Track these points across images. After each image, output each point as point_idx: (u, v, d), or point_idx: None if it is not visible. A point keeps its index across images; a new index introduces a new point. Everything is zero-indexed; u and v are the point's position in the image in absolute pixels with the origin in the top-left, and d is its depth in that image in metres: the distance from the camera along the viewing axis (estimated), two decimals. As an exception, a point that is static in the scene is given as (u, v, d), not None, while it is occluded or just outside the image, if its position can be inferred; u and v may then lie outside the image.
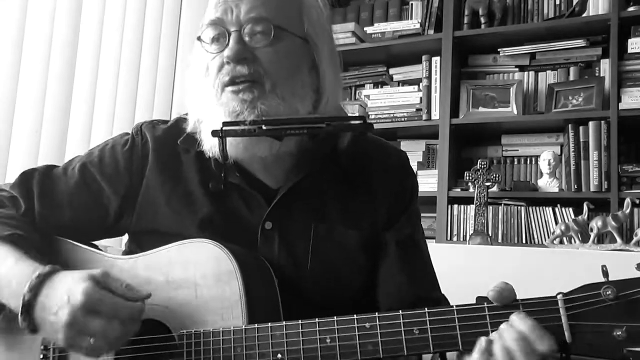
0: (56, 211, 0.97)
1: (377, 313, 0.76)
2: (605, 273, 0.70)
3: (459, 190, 2.60)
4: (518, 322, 0.70)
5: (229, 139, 0.86)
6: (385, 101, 2.81)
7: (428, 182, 2.65)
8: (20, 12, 1.75)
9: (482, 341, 0.71)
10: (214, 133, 0.83)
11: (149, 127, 1.02)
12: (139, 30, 2.25)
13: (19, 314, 0.78)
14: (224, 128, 0.83)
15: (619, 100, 2.37)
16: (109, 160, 0.99)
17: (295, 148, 0.94)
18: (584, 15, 2.52)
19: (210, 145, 0.91)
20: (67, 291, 0.76)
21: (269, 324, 0.79)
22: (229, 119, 0.86)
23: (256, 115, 0.85)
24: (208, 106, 0.90)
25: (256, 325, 0.80)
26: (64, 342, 0.76)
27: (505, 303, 0.72)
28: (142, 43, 2.26)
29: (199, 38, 0.92)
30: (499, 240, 2.51)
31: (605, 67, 2.52)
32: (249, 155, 0.92)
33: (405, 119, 2.76)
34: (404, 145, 2.84)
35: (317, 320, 0.77)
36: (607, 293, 0.68)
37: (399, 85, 2.92)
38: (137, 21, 2.23)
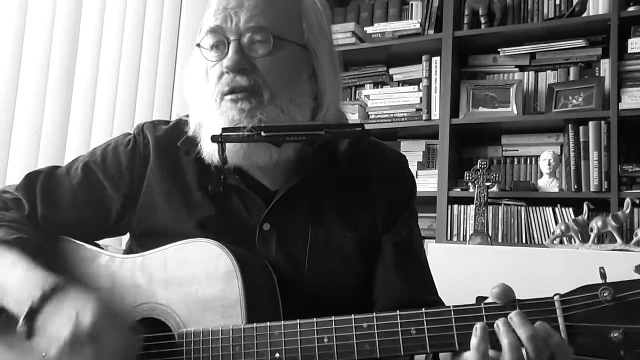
0: (59, 212, 0.98)
1: (374, 313, 0.76)
2: (602, 275, 0.70)
3: (459, 190, 2.60)
4: (522, 321, 0.69)
5: (229, 146, 0.88)
6: (385, 101, 2.81)
7: (428, 182, 2.66)
8: (20, 12, 1.75)
9: (477, 328, 0.70)
10: (213, 138, 0.85)
11: (150, 128, 1.03)
12: (139, 30, 2.25)
13: (22, 317, 0.78)
14: (223, 134, 0.85)
15: (619, 100, 2.37)
16: (111, 160, 1.00)
17: (294, 155, 0.95)
18: (584, 15, 2.52)
19: (209, 151, 0.92)
20: (75, 310, 0.76)
21: (268, 324, 0.80)
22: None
23: (255, 123, 0.87)
24: (208, 113, 0.91)
25: (254, 325, 0.80)
26: (55, 356, 0.76)
27: (505, 302, 0.72)
28: (142, 43, 2.26)
29: (198, 45, 0.92)
30: (499, 240, 2.51)
31: (605, 67, 2.52)
32: (248, 163, 0.93)
33: (405, 119, 2.76)
34: (404, 145, 2.84)
35: (315, 320, 0.78)
36: (604, 294, 0.68)
37: (399, 85, 2.92)
38: (137, 21, 2.23)
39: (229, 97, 0.88)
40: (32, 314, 0.78)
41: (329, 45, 0.97)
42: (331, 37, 0.99)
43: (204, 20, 0.93)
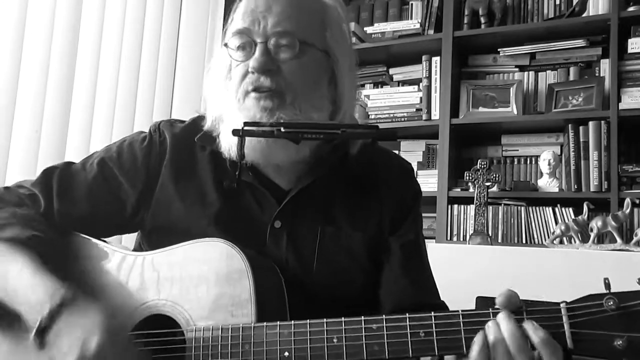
0: (75, 207, 0.99)
1: (384, 315, 0.78)
2: (607, 285, 0.71)
3: (459, 190, 2.60)
4: (507, 321, 0.72)
5: (248, 142, 0.90)
6: (385, 101, 2.81)
7: (428, 182, 2.66)
8: (20, 13, 1.75)
9: (478, 337, 0.73)
10: (235, 132, 0.86)
11: (167, 125, 1.05)
12: (139, 30, 2.25)
13: (33, 332, 0.79)
14: (244, 128, 0.86)
15: (619, 100, 2.37)
16: (127, 155, 1.02)
17: (309, 155, 0.97)
18: (584, 15, 2.52)
19: (228, 145, 0.95)
20: (82, 332, 0.77)
21: (278, 323, 0.81)
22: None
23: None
24: (229, 109, 0.94)
25: (265, 324, 0.81)
26: None
27: (511, 309, 0.74)
28: (142, 43, 2.26)
29: (225, 45, 0.96)
30: (499, 240, 2.51)
31: (605, 67, 2.52)
32: (265, 161, 0.95)
33: (405, 119, 2.76)
34: (404, 145, 2.85)
35: (324, 320, 0.79)
36: (609, 304, 0.70)
37: (399, 85, 2.92)
38: (137, 21, 2.23)
39: (252, 94, 0.91)
40: (43, 329, 0.79)
41: (349, 53, 1.01)
42: (352, 48, 1.02)
43: (231, 22, 0.96)
